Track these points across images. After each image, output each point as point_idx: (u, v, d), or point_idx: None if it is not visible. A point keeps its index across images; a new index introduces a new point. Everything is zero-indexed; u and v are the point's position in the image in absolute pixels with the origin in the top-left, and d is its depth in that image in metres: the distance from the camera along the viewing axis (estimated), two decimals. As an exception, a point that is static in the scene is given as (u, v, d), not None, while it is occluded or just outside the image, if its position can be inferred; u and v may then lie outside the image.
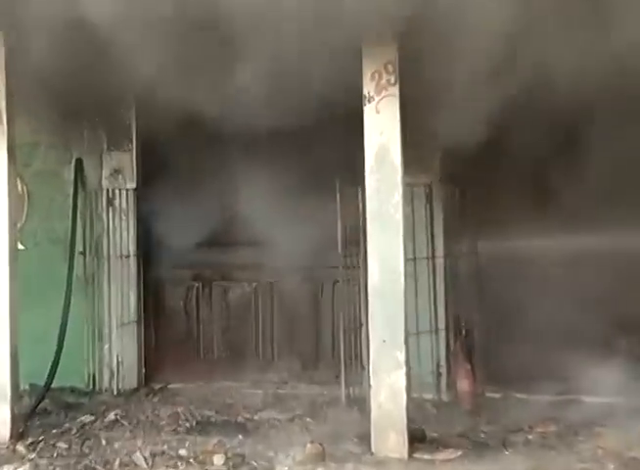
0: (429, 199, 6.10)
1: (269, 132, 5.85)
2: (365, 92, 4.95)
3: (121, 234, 6.68)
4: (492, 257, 6.15)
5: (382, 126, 4.94)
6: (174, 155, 6.48)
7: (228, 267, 6.84)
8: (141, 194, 6.73)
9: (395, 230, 4.96)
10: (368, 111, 4.95)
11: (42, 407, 6.02)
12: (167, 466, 5.00)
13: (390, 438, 4.90)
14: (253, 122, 5.60)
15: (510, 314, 6.08)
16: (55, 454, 5.16)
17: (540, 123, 5.47)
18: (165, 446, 5.21)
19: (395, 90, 4.90)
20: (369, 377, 5.04)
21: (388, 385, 4.93)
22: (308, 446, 5.07)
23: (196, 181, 6.51)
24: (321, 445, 5.08)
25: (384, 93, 4.91)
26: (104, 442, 5.34)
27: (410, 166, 5.26)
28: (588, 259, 5.95)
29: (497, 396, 6.05)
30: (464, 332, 6.07)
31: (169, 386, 6.69)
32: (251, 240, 6.59)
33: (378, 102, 4.93)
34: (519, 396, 6.00)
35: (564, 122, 5.54)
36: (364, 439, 5.09)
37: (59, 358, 6.17)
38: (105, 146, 6.74)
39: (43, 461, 5.05)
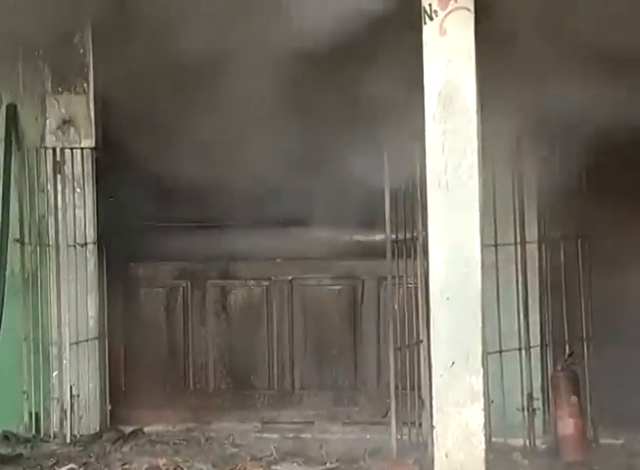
0: (517, 159, 6.08)
1: (280, 63, 5.87)
2: (425, 4, 4.92)
3: (75, 213, 6.70)
4: (612, 244, 6.13)
5: (449, 53, 4.92)
6: (149, 99, 6.51)
7: (228, 259, 6.87)
8: (102, 155, 6.77)
9: (469, 203, 4.96)
10: (429, 31, 4.92)
11: (-36, 462, 6.11)
12: None
13: (463, 501, 4.94)
14: (256, 51, 5.62)
15: (638, 326, 6.07)
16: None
17: None
18: (142, 515, 5.30)
19: (469, 0, 4.88)
20: (431, 415, 5.06)
21: (459, 425, 4.94)
22: (345, 513, 5.14)
23: (180, 136, 6.53)
24: (364, 512, 5.15)
25: (452, 5, 4.89)
26: (54, 509, 5.44)
27: (490, 111, 5.22)
28: None
29: (617, 442, 6.05)
30: (568, 351, 6.06)
31: (146, 429, 6.73)
32: (260, 220, 6.62)
33: (444, 18, 4.90)
34: (649, 443, 6.02)
35: None
36: (425, 503, 5.15)
37: (-13, 391, 6.26)
38: (49, 86, 6.77)
39: None
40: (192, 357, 6.97)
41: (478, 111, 4.97)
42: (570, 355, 6.01)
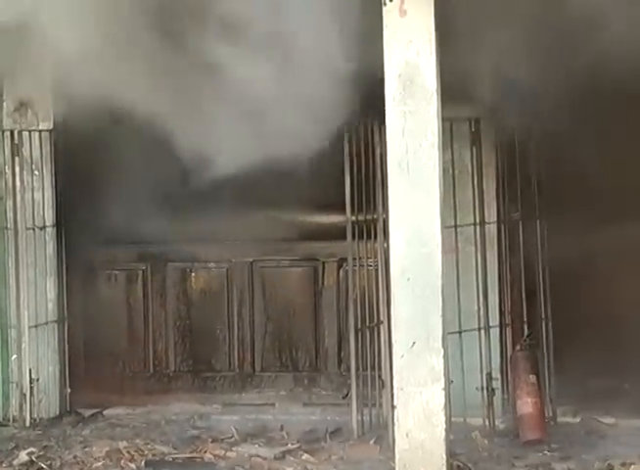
0: (476, 140, 6.10)
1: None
2: (384, -15, 4.95)
3: (33, 196, 6.68)
4: (569, 224, 6.17)
5: (410, 35, 4.92)
6: (108, 83, 6.45)
7: (189, 242, 6.87)
8: (60, 138, 6.72)
9: (429, 185, 4.97)
10: (389, 13, 4.92)
11: None
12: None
13: (424, 480, 4.97)
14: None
15: (594, 306, 6.12)
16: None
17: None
18: (103, 498, 5.30)
19: (429, -18, 4.91)
20: (392, 395, 5.08)
21: (420, 405, 4.95)
22: (307, 493, 5.16)
23: (142, 114, 6.47)
24: (325, 491, 5.17)
25: (412, -13, 4.91)
26: (13, 493, 5.42)
27: (450, 93, 5.23)
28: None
29: (574, 420, 6.10)
30: (527, 331, 6.11)
31: (106, 412, 6.74)
32: (221, 202, 6.60)
33: (403, 0, 4.92)
34: (606, 420, 6.04)
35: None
36: (386, 482, 5.17)
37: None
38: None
39: None
40: (152, 340, 6.98)
41: (438, 92, 4.98)
42: (528, 335, 6.06)
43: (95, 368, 6.89)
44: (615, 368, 6.11)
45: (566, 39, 5.46)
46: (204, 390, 6.83)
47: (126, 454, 5.82)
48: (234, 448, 5.89)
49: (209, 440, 6.06)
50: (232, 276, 6.91)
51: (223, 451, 5.84)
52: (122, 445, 5.96)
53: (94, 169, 6.77)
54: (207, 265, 6.94)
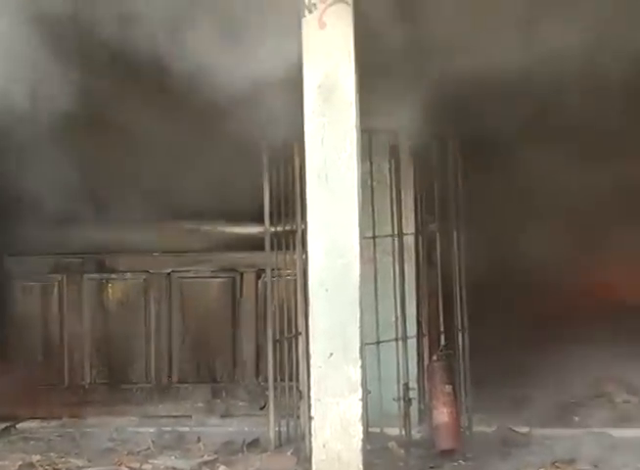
0: (394, 152, 6.13)
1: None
2: (304, -3, 4.97)
3: (-53, 206, 6.63)
4: (487, 235, 6.25)
5: (329, 47, 4.95)
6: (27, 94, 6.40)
7: (105, 252, 6.85)
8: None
9: (347, 196, 5.00)
10: (308, 25, 4.95)
11: None
12: None
13: (341, 491, 4.98)
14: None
15: (510, 317, 6.19)
16: None
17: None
18: (15, 513, 5.22)
19: (349, -6, 4.94)
20: (309, 406, 5.08)
21: (337, 416, 4.96)
22: (223, 505, 5.14)
23: (60, 120, 6.41)
24: (242, 503, 5.15)
25: (331, -1, 4.96)
26: None
27: (368, 106, 5.25)
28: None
29: (490, 430, 6.15)
30: (443, 341, 6.14)
31: (19, 425, 6.65)
32: (138, 211, 6.57)
33: (323, 11, 4.93)
34: (520, 430, 6.10)
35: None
36: (303, 493, 5.17)
37: None
38: None
39: None
40: (68, 352, 6.92)
41: (356, 103, 5.01)
42: (445, 346, 6.09)
43: (8, 381, 6.75)
44: (529, 377, 6.20)
45: (486, 47, 5.53)
46: (120, 402, 6.79)
47: (40, 468, 5.76)
48: (150, 461, 5.85)
49: (125, 452, 6.01)
50: (149, 287, 6.88)
51: (139, 464, 5.79)
52: (36, 458, 5.90)
53: (6, 177, 6.67)
54: (124, 276, 6.91)
